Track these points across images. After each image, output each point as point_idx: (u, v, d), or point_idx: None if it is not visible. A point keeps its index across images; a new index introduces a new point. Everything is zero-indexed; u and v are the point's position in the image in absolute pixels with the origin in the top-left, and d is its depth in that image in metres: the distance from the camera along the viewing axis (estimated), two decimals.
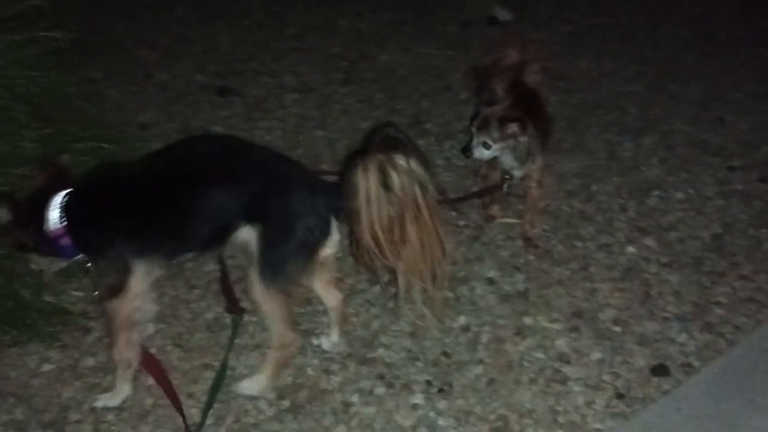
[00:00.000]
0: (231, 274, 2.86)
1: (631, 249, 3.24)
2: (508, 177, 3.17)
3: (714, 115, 4.21)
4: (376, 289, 2.98)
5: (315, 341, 2.76)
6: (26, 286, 2.72)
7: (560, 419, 2.50)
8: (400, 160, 2.19)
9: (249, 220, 2.36)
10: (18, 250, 2.50)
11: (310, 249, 2.37)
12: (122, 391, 2.51)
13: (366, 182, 2.18)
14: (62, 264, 2.54)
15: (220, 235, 2.42)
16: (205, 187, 2.37)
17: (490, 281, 3.06)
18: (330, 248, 2.45)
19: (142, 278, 2.39)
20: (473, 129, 3.08)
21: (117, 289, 2.37)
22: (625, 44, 4.96)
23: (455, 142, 3.82)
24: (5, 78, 3.00)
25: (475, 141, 3.07)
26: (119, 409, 2.50)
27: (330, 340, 2.74)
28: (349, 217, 2.30)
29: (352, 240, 2.37)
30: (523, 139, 3.03)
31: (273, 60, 4.66)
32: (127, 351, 2.45)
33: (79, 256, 2.45)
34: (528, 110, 3.16)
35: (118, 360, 2.47)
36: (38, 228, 2.36)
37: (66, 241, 2.37)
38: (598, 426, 2.48)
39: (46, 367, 2.66)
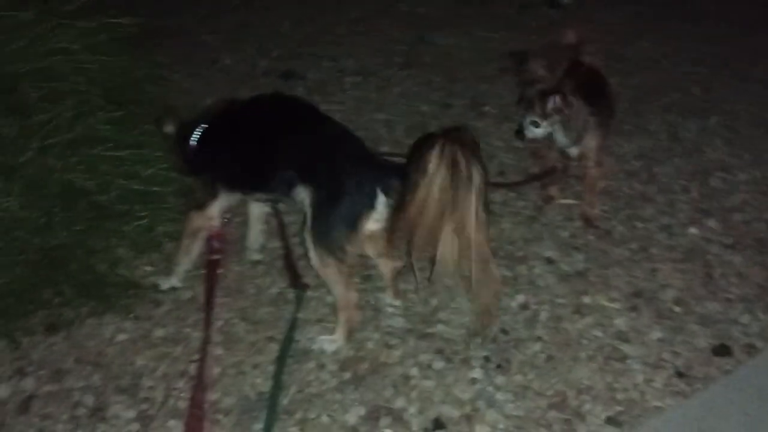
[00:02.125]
0: (294, 251, 2.96)
1: (693, 230, 3.21)
2: (565, 158, 3.17)
3: None
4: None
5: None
6: (102, 260, 2.86)
7: (618, 396, 2.51)
8: (472, 158, 2.23)
9: (303, 181, 2.54)
10: (178, 172, 3.06)
11: (352, 220, 2.47)
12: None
13: (438, 163, 2.22)
14: None
15: (283, 185, 2.62)
16: (275, 139, 2.62)
17: (549, 261, 3.08)
18: (375, 222, 2.51)
19: (219, 203, 2.82)
20: (521, 111, 3.13)
21: (200, 205, 2.82)
22: (689, 25, 4.86)
23: (513, 124, 3.80)
24: (80, 63, 3.14)
25: (525, 122, 3.10)
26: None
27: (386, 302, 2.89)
28: (403, 191, 2.34)
29: (395, 213, 2.41)
30: (569, 112, 3.02)
31: (333, 44, 4.73)
32: (183, 253, 2.92)
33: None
34: (589, 90, 3.16)
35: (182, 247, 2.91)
36: (185, 148, 2.83)
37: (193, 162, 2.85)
38: (657, 404, 2.48)
39: (121, 336, 2.80)
